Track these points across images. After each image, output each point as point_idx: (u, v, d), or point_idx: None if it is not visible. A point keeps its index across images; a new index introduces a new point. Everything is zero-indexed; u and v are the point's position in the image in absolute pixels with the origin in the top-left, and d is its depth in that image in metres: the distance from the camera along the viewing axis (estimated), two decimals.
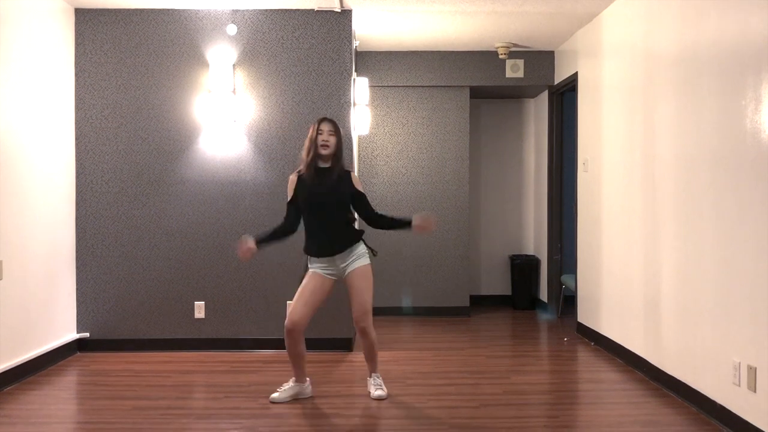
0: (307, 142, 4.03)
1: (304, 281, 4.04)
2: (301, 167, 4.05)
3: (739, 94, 3.45)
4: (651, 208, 4.52)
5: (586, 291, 5.89)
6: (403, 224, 4.10)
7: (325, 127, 4.01)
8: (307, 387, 4.16)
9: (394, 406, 3.99)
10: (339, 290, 5.31)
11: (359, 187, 4.09)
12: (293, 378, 4.12)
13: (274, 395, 4.05)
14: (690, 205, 3.96)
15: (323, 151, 3.99)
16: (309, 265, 4.07)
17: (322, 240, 4.01)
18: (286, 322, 3.99)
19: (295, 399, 4.08)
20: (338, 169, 4.04)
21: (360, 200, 4.10)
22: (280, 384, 4.33)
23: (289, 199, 4.07)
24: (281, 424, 3.71)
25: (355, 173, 4.17)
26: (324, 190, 3.98)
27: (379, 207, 6.88)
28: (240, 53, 5.34)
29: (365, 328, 4.04)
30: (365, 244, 4.10)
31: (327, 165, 4.02)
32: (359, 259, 4.03)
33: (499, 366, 5.00)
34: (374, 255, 4.13)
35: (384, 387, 4.15)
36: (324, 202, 3.99)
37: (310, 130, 4.03)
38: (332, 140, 4.00)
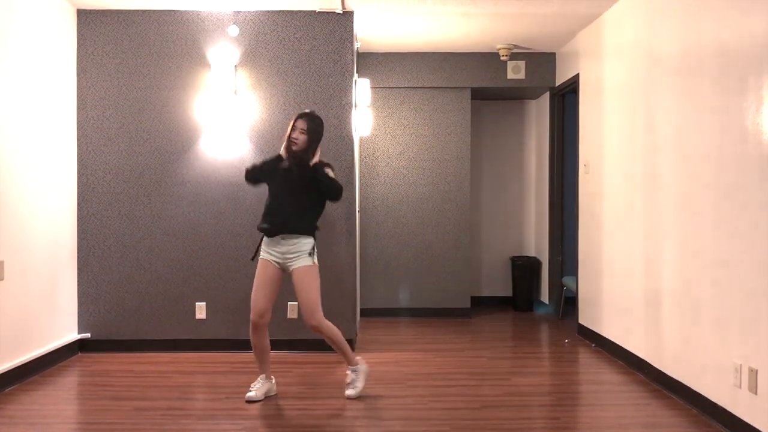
0: (286, 134, 4.11)
1: (258, 272, 4.10)
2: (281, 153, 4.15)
3: (741, 96, 3.45)
4: (652, 209, 4.52)
5: (587, 292, 5.89)
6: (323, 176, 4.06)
7: (299, 124, 4.06)
8: (274, 383, 4.22)
9: (395, 407, 3.99)
10: (343, 293, 5.32)
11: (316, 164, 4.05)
12: (262, 375, 4.16)
13: (250, 394, 4.07)
14: (691, 207, 3.96)
15: (293, 146, 4.05)
16: (261, 251, 4.11)
17: (276, 218, 4.04)
18: (251, 316, 4.07)
19: (268, 396, 4.13)
20: (308, 159, 4.03)
21: (317, 180, 4.06)
22: (280, 385, 4.35)
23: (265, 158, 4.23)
24: (281, 425, 3.71)
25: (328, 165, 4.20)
26: (290, 172, 4.04)
27: (380, 207, 6.93)
28: (241, 54, 5.34)
29: (315, 327, 4.06)
30: (314, 241, 4.10)
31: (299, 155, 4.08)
32: (303, 257, 4.03)
33: (500, 367, 5.00)
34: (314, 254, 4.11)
35: (357, 384, 4.15)
36: (287, 183, 4.04)
37: (292, 120, 4.10)
38: (302, 138, 4.03)
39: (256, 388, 4.09)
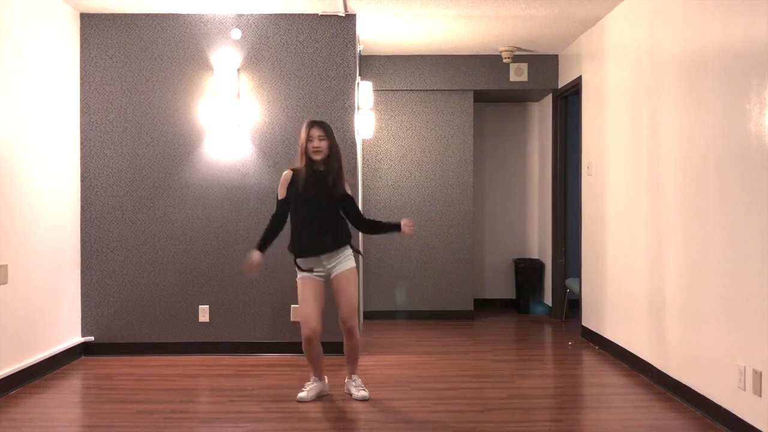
0: (299, 147, 4.08)
1: (303, 289, 4.06)
2: (297, 165, 4.11)
3: (744, 98, 3.45)
4: (655, 211, 4.51)
5: (590, 295, 5.88)
6: (392, 227, 4.19)
7: (315, 132, 4.03)
8: (326, 384, 4.26)
9: (398, 410, 3.98)
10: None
11: (348, 190, 4.13)
12: (315, 377, 4.20)
13: (302, 394, 4.13)
14: (694, 209, 3.96)
15: (316, 157, 4.03)
16: (298, 271, 4.09)
17: (311, 238, 4.03)
18: (304, 331, 4.02)
19: (318, 397, 4.18)
20: (333, 172, 4.05)
21: (349, 203, 4.13)
22: (283, 387, 4.35)
23: (281, 197, 4.11)
24: (285, 428, 3.71)
25: (349, 180, 4.27)
26: (317, 190, 4.02)
27: (383, 211, 6.92)
28: (244, 57, 5.35)
29: (353, 328, 4.10)
30: (352, 247, 4.15)
31: (321, 168, 4.05)
32: (346, 261, 4.08)
33: (504, 370, 4.99)
34: (359, 255, 4.21)
35: (365, 388, 4.20)
36: (316, 202, 4.02)
37: (302, 133, 4.07)
38: (323, 145, 4.02)
39: (309, 389, 4.15)
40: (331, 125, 4.18)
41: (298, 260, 4.08)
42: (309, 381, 4.22)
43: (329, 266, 4.06)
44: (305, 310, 4.03)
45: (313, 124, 4.07)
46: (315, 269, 4.05)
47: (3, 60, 4.29)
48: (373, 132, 6.55)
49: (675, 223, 4.22)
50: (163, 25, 5.34)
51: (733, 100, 3.55)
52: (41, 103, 4.76)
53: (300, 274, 4.08)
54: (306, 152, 4.03)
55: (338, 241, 4.06)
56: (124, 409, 3.99)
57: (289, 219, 4.12)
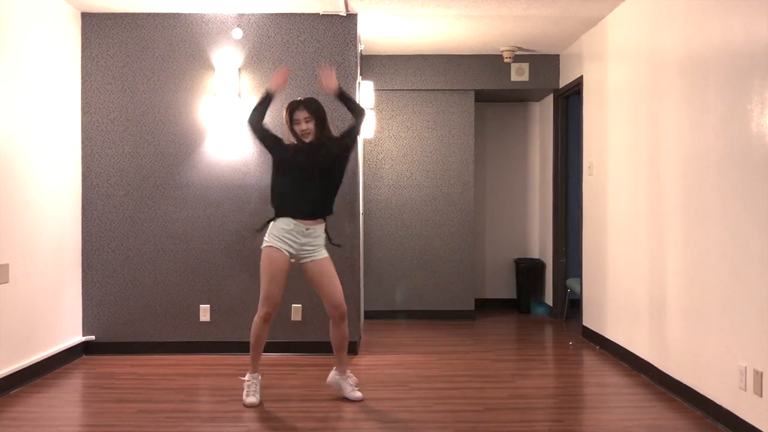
0: (286, 129, 4.04)
1: (270, 263, 3.93)
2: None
3: (745, 98, 3.45)
4: (656, 211, 4.51)
5: (591, 295, 5.88)
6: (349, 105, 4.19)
7: (300, 115, 3.97)
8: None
9: (398, 409, 3.99)
10: (346, 295, 5.31)
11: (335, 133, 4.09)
12: (250, 372, 4.09)
13: (251, 399, 4.00)
14: (696, 209, 3.96)
15: (307, 139, 4.00)
16: (267, 239, 3.98)
17: (302, 207, 3.95)
18: (266, 308, 3.97)
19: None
20: (324, 138, 4.02)
21: (347, 141, 4.10)
22: (285, 387, 4.34)
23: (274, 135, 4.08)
24: (285, 427, 3.72)
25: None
26: (311, 161, 3.96)
27: (384, 210, 6.93)
28: (245, 57, 5.36)
29: (345, 313, 4.05)
30: (329, 238, 4.10)
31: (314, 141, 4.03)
32: (322, 249, 4.04)
33: (504, 370, 5.00)
34: (338, 246, 4.24)
35: (357, 389, 4.16)
36: (309, 172, 3.95)
37: (284, 115, 4.02)
38: (311, 126, 3.97)
39: (252, 391, 4.04)
40: (331, 125, 4.17)
41: (279, 222, 3.95)
42: (246, 378, 4.07)
43: (306, 247, 3.97)
44: (272, 287, 3.93)
45: (296, 107, 3.99)
46: (290, 241, 3.95)
47: (4, 59, 4.29)
48: (374, 132, 6.56)
49: (676, 223, 4.22)
50: (164, 24, 5.34)
51: (734, 100, 3.55)
52: (42, 103, 4.77)
53: (268, 242, 3.97)
54: (294, 134, 4.01)
55: (325, 211, 4.03)
56: (125, 408, 3.99)
57: (276, 186, 4.06)
